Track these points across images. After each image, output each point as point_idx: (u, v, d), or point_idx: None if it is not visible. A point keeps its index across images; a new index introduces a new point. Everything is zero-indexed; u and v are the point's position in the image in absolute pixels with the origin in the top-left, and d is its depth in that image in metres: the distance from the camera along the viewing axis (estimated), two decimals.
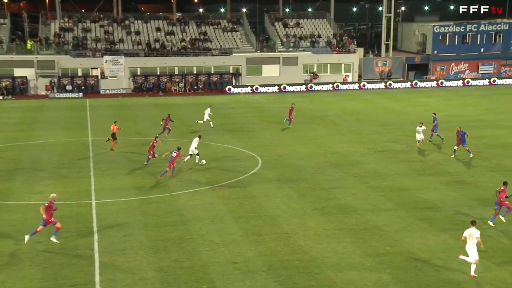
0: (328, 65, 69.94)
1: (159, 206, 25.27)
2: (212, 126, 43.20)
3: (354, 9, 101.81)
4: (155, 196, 26.73)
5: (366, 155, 34.72)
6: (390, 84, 67.96)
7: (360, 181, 29.20)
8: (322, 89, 66.54)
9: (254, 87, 65.58)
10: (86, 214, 24.21)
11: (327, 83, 67.15)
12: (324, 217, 23.61)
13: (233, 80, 67.35)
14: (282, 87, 65.92)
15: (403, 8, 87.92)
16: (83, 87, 64.60)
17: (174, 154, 29.41)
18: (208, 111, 43.99)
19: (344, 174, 30.41)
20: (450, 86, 67.89)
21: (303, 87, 66.52)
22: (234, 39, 72.09)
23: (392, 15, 72.52)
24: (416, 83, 68.00)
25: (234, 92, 65.05)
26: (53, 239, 21.01)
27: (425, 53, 73.40)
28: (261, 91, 65.43)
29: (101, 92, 64.25)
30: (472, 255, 18.18)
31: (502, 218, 22.67)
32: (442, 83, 68.28)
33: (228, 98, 61.07)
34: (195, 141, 32.27)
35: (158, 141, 32.25)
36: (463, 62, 71.51)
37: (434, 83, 68.36)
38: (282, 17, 76.94)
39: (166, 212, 24.46)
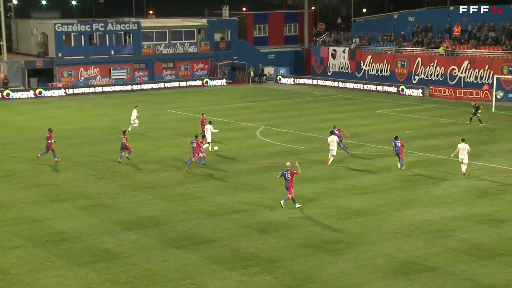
0: None
1: None
2: (129, 129, 44.69)
3: None
4: None
5: None
6: (8, 94, 66.05)
7: None
8: None
9: None
10: None
11: None
12: None
13: None
14: None
15: (15, 2, 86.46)
16: None
17: (194, 144, 35.07)
18: (135, 112, 46.53)
19: None
20: (81, 93, 69.19)
21: None
22: None
23: (1, 9, 70.11)
24: (40, 92, 67.43)
25: None
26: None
27: (48, 56, 73.33)
28: None
29: None
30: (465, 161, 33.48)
31: (400, 165, 35.11)
32: (70, 91, 69.11)
33: None
34: (210, 129, 39.25)
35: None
36: (93, 67, 73.50)
37: (62, 91, 68.80)
38: None
39: None
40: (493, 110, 54.58)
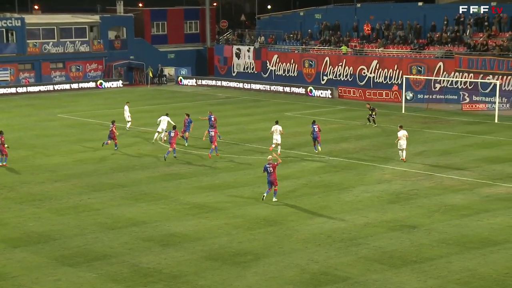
0: None
1: None
2: (127, 128, 48.57)
3: None
4: None
5: None
6: None
7: None
8: None
9: None
10: None
11: None
12: None
13: None
14: None
15: None
16: None
17: (172, 134, 38.69)
18: (126, 108, 48.87)
19: None
20: None
21: None
22: None
23: None
24: None
25: None
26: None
27: None
28: None
29: None
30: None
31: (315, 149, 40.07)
32: None
33: None
34: (164, 119, 42.84)
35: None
36: None
37: None
38: None
39: None
40: (403, 111, 56.37)
